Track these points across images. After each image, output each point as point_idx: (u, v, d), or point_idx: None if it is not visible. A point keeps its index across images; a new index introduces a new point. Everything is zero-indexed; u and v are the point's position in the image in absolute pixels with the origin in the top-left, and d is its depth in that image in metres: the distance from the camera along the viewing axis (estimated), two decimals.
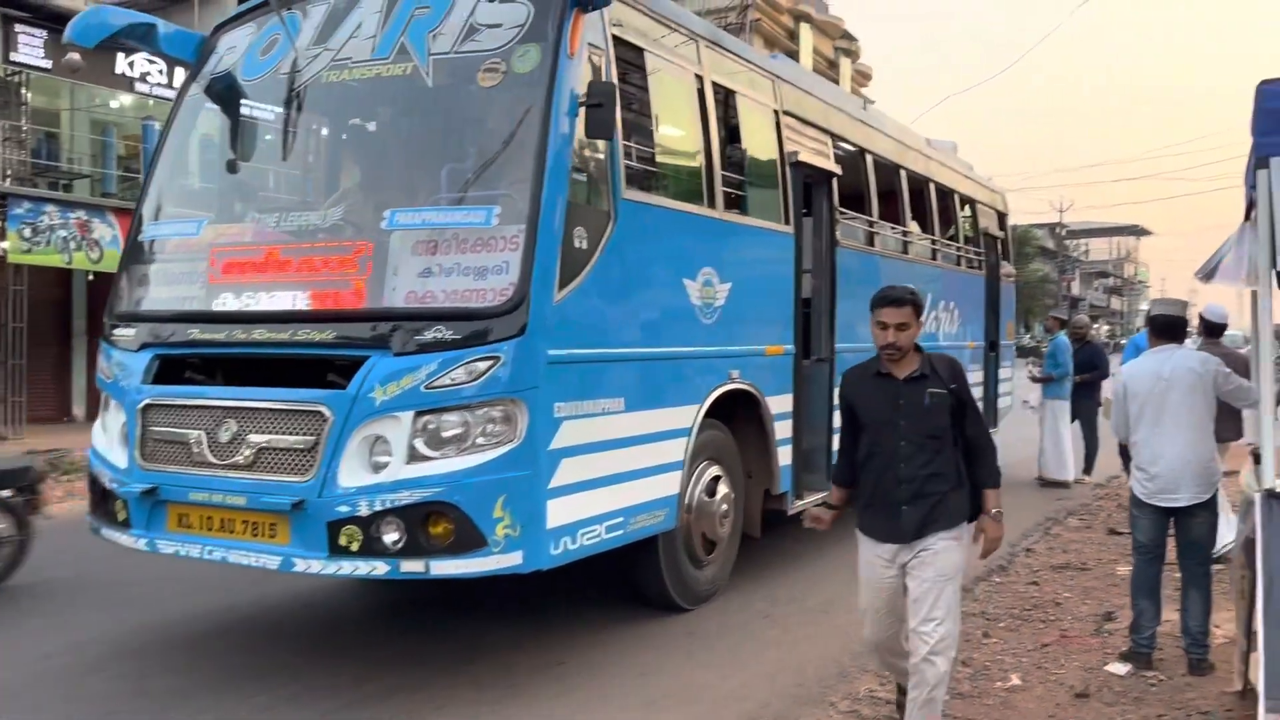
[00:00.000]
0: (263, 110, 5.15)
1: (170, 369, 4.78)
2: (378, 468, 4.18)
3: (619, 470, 4.73)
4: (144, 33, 5.25)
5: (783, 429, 6.32)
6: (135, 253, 5.22)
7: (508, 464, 4.13)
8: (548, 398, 4.26)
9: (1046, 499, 10.04)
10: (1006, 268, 11.49)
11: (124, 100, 17.24)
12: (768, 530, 6.58)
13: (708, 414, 5.56)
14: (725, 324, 5.65)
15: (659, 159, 5.23)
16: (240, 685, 4.57)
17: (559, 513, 4.31)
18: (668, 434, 5.12)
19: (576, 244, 4.43)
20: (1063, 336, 10.48)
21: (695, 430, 5.36)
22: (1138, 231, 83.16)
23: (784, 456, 6.33)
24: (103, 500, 4.86)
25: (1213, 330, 6.43)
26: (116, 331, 5.02)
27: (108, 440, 4.92)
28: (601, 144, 4.63)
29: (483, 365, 4.12)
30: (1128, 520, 5.08)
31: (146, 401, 4.69)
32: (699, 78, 5.56)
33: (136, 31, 5.21)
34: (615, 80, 4.71)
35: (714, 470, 5.70)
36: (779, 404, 6.29)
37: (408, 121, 4.98)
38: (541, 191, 4.24)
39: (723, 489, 5.76)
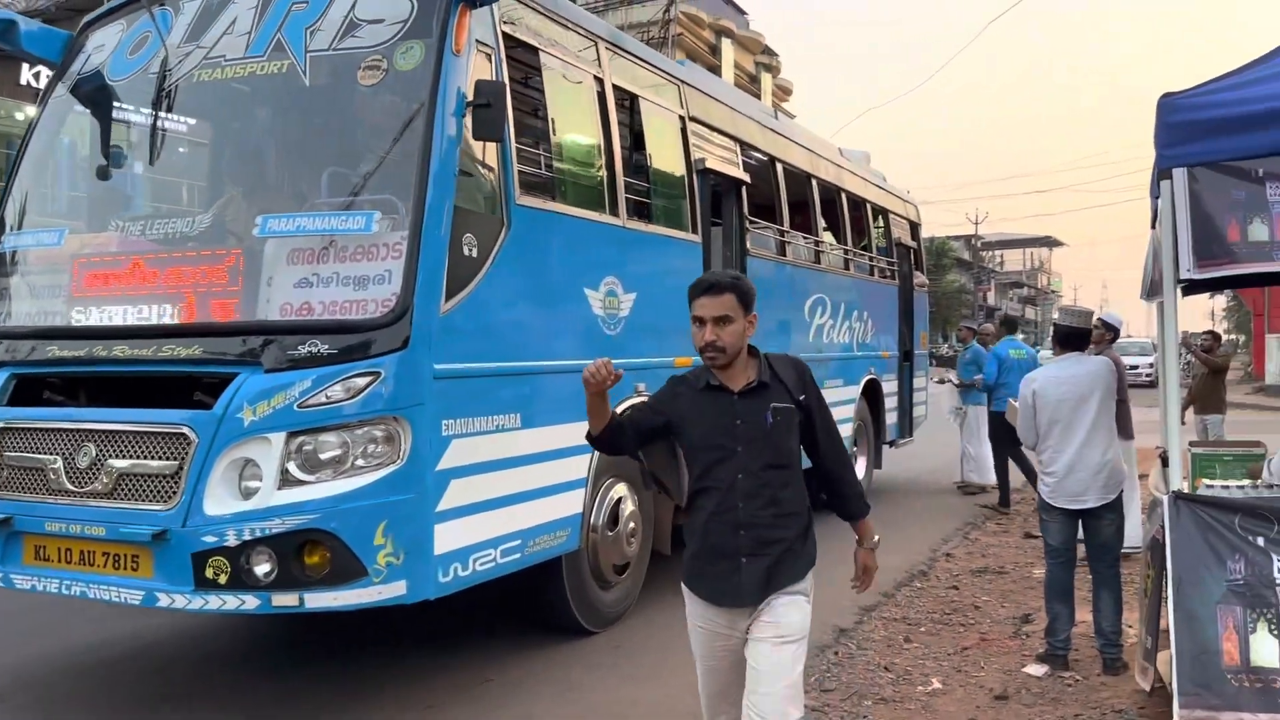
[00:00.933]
0: (131, 112, 4.80)
1: (27, 389, 4.40)
2: (247, 494, 3.87)
3: (515, 490, 4.49)
4: (2, 30, 4.85)
5: None
6: None
7: (390, 487, 3.86)
8: (434, 415, 4.00)
9: (965, 503, 10.10)
10: (920, 277, 11.55)
11: (30, 112, 16.39)
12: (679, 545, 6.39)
13: None
14: (631, 335, 5.46)
15: (557, 164, 5.01)
16: (154, 713, 4.38)
17: (448, 538, 4.05)
18: (569, 451, 4.89)
19: (466, 252, 4.19)
20: (977, 345, 10.54)
21: None
22: (1050, 243, 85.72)
23: None
24: None
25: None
26: None
27: None
28: (493, 147, 4.40)
29: (362, 381, 3.85)
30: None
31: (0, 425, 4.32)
32: (599, 80, 5.37)
33: None
34: (506, 80, 4.49)
35: (621, 487, 5.50)
36: None
37: (284, 122, 4.68)
38: (426, 196, 3.99)
39: (629, 506, 5.56)
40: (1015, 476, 9.74)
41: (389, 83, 4.25)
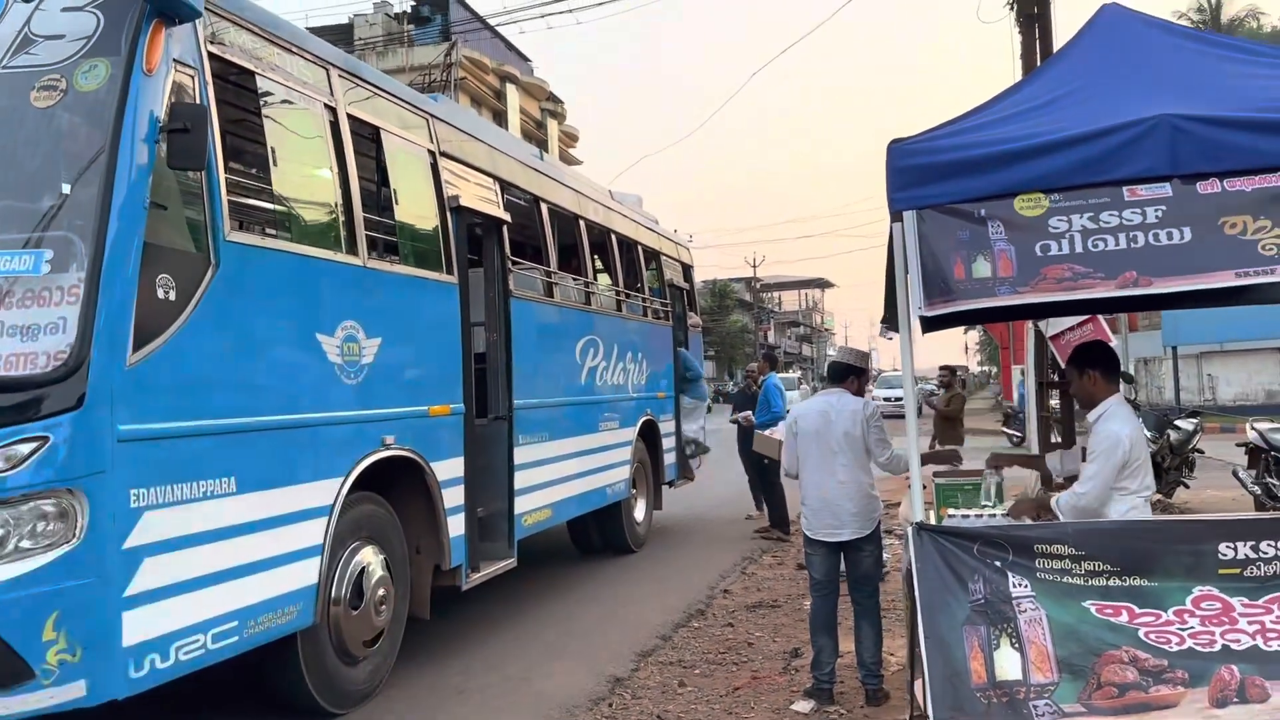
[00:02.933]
0: None
1: None
2: None
3: (230, 565, 3.96)
4: None
5: (453, 496, 5.75)
6: None
7: (62, 571, 3.27)
8: (119, 484, 3.44)
9: (745, 537, 10.14)
10: (693, 318, 11.66)
11: None
12: (448, 604, 5.99)
13: (359, 486, 4.90)
14: (376, 383, 5.03)
15: (280, 198, 4.56)
16: None
17: (140, 626, 3.49)
18: (299, 515, 4.41)
19: (161, 295, 3.68)
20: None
21: (338, 507, 4.68)
22: (823, 284, 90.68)
23: (455, 526, 5.75)
24: None
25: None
26: None
27: None
28: (196, 177, 3.91)
29: (25, 448, 3.26)
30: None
31: None
32: (332, 109, 4.96)
33: None
34: (211, 104, 4.02)
35: (368, 551, 5.03)
36: (448, 469, 5.72)
37: None
38: (107, 231, 3.47)
39: (378, 571, 5.09)
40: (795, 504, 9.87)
41: (68, 105, 3.70)
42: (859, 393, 5.05)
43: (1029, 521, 4.13)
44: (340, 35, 33.18)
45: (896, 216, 3.80)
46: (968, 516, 4.27)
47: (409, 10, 38.77)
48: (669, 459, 10.28)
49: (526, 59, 44.90)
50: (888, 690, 4.87)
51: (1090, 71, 4.02)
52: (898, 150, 3.76)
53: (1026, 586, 3.59)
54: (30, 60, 3.75)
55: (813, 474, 4.90)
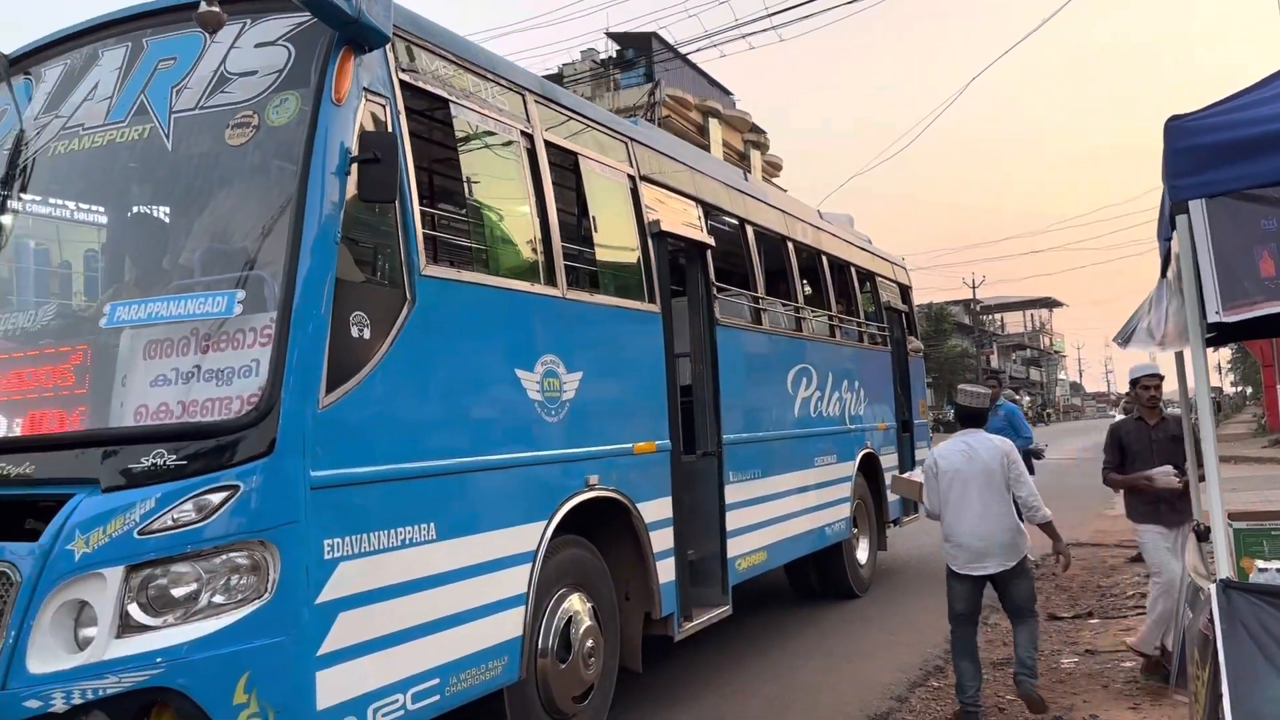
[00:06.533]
0: None
1: None
2: (82, 644, 3.12)
3: (430, 618, 3.71)
4: None
5: (661, 539, 5.37)
6: None
7: (253, 629, 3.10)
8: (312, 534, 3.25)
9: None
10: (914, 342, 10.84)
11: None
12: (657, 654, 5.61)
13: (563, 529, 4.60)
14: (577, 420, 4.74)
15: (475, 229, 4.36)
16: None
17: (335, 687, 3.27)
18: (501, 562, 4.14)
19: (355, 333, 3.51)
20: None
21: (542, 552, 4.39)
22: (1050, 304, 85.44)
23: (665, 572, 5.36)
24: None
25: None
26: None
27: None
28: (390, 210, 3.75)
29: (217, 498, 3.12)
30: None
31: None
32: (528, 136, 4.74)
33: None
34: (404, 133, 3.86)
35: (575, 599, 4.71)
36: (655, 510, 5.35)
37: (142, 194, 4.03)
38: (297, 268, 3.32)
39: (586, 620, 4.76)
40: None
41: (260, 140, 3.62)
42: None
43: None
44: None
45: (1180, 207, 3.22)
46: None
47: (613, 56, 39.72)
48: (893, 496, 9.54)
49: (729, 92, 44.95)
50: (1041, 696, 5.09)
51: None
52: (1179, 129, 3.12)
53: None
54: (226, 99, 3.71)
55: (956, 512, 5.17)
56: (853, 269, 9.43)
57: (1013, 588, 5.15)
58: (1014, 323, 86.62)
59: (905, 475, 8.58)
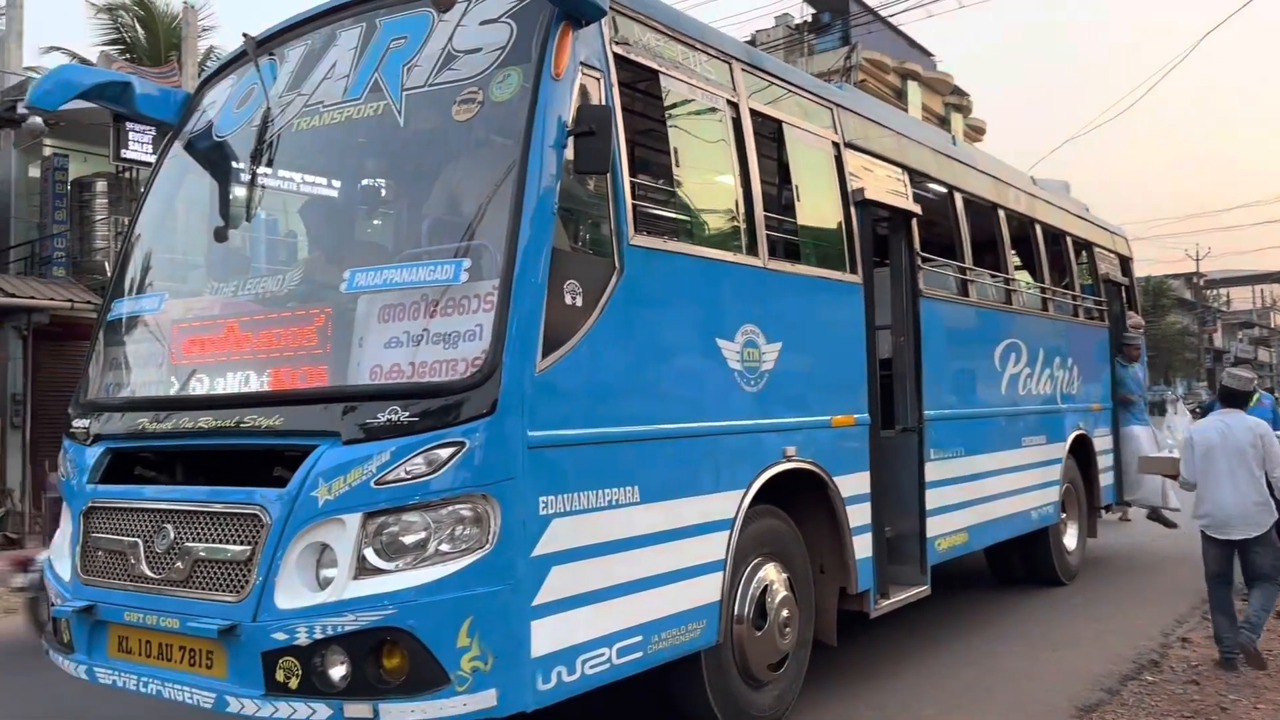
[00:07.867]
0: (232, 169, 4.57)
1: (120, 465, 4.15)
2: (323, 584, 3.41)
3: (634, 577, 3.83)
4: (117, 93, 4.74)
5: (858, 514, 5.30)
6: (100, 334, 4.67)
7: (475, 577, 3.29)
8: (529, 491, 3.42)
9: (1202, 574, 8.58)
10: (1134, 318, 10.14)
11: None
12: (852, 631, 5.55)
13: (760, 499, 4.62)
14: (776, 391, 4.73)
15: (681, 199, 4.40)
16: None
17: (548, 637, 3.43)
18: (701, 527, 4.20)
19: (568, 300, 3.63)
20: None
21: (739, 521, 4.42)
22: None
23: (861, 547, 5.29)
24: (52, 619, 4.24)
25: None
26: (75, 423, 4.44)
27: (58, 549, 4.32)
28: (602, 181, 3.84)
29: (444, 453, 3.32)
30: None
31: (89, 504, 4.07)
32: (733, 105, 4.74)
33: (108, 92, 4.71)
34: (617, 106, 3.94)
35: (770, 569, 4.73)
36: (852, 484, 5.28)
37: (377, 167, 4.30)
38: (518, 238, 3.46)
39: (781, 591, 4.77)
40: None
41: (484, 116, 3.78)
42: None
43: None
44: None
45: None
46: None
47: (809, 19, 38.88)
48: (1105, 480, 9.01)
49: (929, 54, 43.12)
50: (1259, 651, 5.63)
51: None
52: None
53: None
54: (453, 76, 3.89)
55: (1209, 482, 5.80)
56: (1068, 239, 8.91)
57: (1254, 555, 5.75)
58: (1240, 298, 79.45)
59: (1158, 455, 8.80)
